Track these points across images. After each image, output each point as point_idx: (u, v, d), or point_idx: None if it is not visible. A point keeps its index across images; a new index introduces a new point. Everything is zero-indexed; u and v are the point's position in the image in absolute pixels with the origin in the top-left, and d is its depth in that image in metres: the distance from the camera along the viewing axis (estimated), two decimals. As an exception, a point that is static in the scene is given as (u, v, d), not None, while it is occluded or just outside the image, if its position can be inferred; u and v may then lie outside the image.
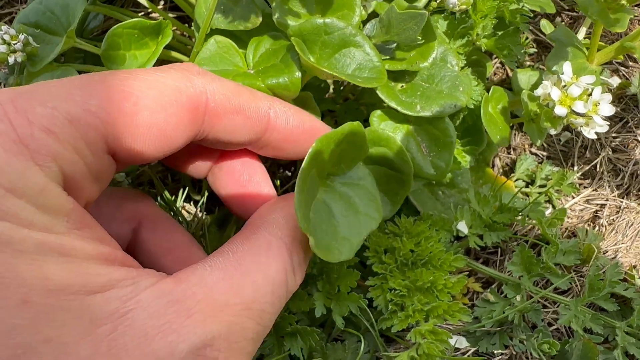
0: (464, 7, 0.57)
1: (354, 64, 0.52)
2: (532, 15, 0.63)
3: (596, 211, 0.70)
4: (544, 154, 0.74)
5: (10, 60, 0.58)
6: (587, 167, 0.73)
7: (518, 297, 0.60)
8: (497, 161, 0.74)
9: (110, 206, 0.44)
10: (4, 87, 0.62)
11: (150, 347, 0.29)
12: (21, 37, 0.58)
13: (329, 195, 0.46)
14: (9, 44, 0.58)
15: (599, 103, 0.54)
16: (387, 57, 0.58)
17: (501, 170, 0.73)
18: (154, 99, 0.35)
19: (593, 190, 0.71)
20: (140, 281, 0.31)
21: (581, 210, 0.71)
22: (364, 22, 0.56)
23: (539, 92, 0.56)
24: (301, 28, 0.52)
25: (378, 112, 0.59)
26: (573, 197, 0.71)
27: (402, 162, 0.53)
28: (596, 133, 0.55)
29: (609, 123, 0.55)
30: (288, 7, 0.54)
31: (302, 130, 0.44)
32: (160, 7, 0.83)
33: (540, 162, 0.72)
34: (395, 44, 0.59)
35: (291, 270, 0.38)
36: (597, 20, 0.53)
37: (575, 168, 0.73)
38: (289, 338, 0.51)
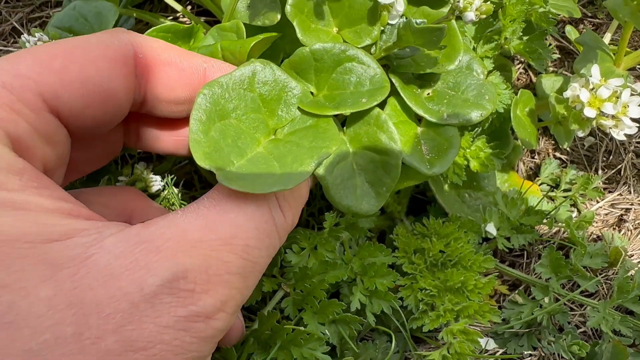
0: (483, 16, 0.57)
1: (354, 77, 0.52)
2: (557, 19, 0.64)
3: (621, 215, 0.71)
4: (568, 158, 0.75)
5: (45, 63, 0.59)
6: (611, 172, 0.73)
7: (546, 299, 0.60)
8: (521, 165, 0.74)
9: (99, 204, 0.43)
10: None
11: (117, 284, 0.28)
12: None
13: (271, 146, 0.44)
14: (43, 48, 0.59)
15: (628, 105, 0.55)
16: (409, 55, 0.58)
17: (525, 175, 0.74)
18: (82, 55, 0.35)
19: (618, 195, 0.72)
20: (105, 230, 0.30)
21: (606, 214, 0.71)
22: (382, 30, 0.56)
23: (567, 94, 0.57)
24: (291, 61, 0.52)
25: (393, 101, 0.58)
26: (598, 202, 0.71)
27: (390, 141, 0.52)
28: (624, 135, 0.56)
29: (638, 125, 0.55)
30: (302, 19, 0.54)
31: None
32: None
33: (565, 167, 0.73)
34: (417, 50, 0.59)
35: (276, 207, 0.37)
36: (627, 23, 0.53)
37: (600, 173, 0.73)
38: (329, 325, 0.51)
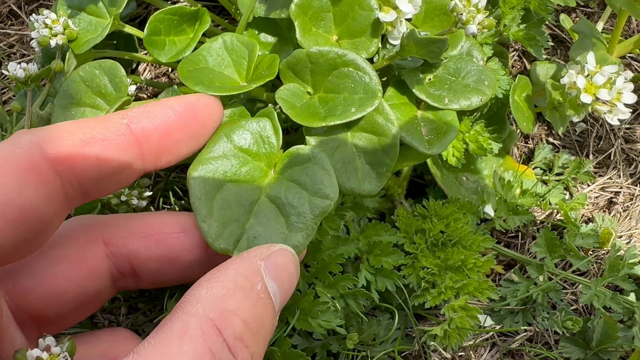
0: (485, 30, 0.55)
1: (349, 82, 0.53)
2: (554, 8, 0.66)
3: (611, 198, 0.73)
4: (560, 143, 0.77)
5: (52, 43, 0.59)
6: (602, 157, 0.76)
7: (541, 278, 0.62)
8: (515, 150, 0.76)
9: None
10: (39, 69, 0.64)
11: None
12: (61, 20, 0.59)
13: (279, 188, 0.45)
14: (50, 28, 0.60)
15: (622, 91, 0.57)
16: (411, 65, 0.59)
17: (519, 159, 0.76)
18: None
19: (608, 179, 0.74)
20: None
21: (596, 197, 0.73)
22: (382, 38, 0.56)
23: (564, 80, 0.59)
24: (288, 61, 0.53)
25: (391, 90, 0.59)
26: (589, 185, 0.74)
27: (387, 122, 0.53)
28: (618, 120, 0.58)
29: (631, 110, 0.58)
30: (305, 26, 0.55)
31: (179, 115, 0.42)
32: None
33: (557, 152, 0.75)
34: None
35: (224, 349, 0.32)
36: (622, 12, 0.55)
37: (591, 157, 0.76)
38: (339, 300, 0.53)
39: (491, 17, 0.54)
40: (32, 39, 0.60)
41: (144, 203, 0.58)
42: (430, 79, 0.60)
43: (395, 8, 0.51)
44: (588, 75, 0.57)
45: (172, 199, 0.64)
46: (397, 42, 0.55)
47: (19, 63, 0.61)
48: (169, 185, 0.67)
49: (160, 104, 0.43)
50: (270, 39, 0.61)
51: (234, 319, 0.33)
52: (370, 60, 0.55)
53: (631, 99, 0.57)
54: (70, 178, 0.37)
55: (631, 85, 0.57)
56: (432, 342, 0.55)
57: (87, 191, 0.39)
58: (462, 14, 0.51)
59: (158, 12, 0.59)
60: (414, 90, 0.58)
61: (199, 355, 0.30)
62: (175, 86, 0.68)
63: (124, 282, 0.45)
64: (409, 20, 0.55)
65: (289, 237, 0.42)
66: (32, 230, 0.35)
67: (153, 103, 0.43)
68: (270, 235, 0.42)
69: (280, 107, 0.53)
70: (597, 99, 0.57)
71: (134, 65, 0.77)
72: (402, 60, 0.57)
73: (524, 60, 0.80)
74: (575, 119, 0.60)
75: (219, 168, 0.44)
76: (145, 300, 0.62)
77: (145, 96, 0.76)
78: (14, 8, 0.84)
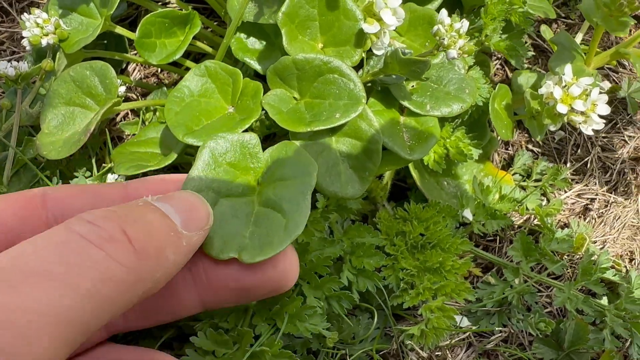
0: (465, 55, 0.56)
1: (334, 89, 0.54)
2: (534, 19, 0.68)
3: (586, 205, 0.76)
4: (539, 150, 0.79)
5: (43, 42, 0.60)
6: (579, 164, 0.78)
7: (516, 281, 0.64)
8: (495, 156, 0.78)
9: None
10: (31, 65, 0.65)
11: None
12: (53, 19, 0.60)
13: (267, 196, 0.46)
14: (41, 27, 0.61)
15: (596, 102, 0.59)
16: (394, 82, 0.60)
17: (499, 165, 0.78)
18: None
19: (584, 186, 0.77)
20: None
21: (573, 203, 0.76)
22: (367, 53, 0.58)
23: (542, 91, 0.61)
24: (275, 68, 0.55)
25: (374, 96, 0.61)
26: (566, 191, 0.76)
27: (370, 127, 0.55)
28: (592, 130, 0.60)
29: (604, 121, 0.60)
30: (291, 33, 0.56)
31: (172, 183, 0.44)
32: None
33: (536, 158, 0.77)
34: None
35: (85, 224, 0.33)
36: (599, 26, 0.58)
37: (568, 165, 0.78)
38: (323, 301, 0.54)
39: (472, 43, 0.55)
40: (22, 37, 0.61)
41: None
42: (412, 86, 0.62)
43: (379, 20, 0.53)
44: (565, 86, 0.60)
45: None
46: (381, 53, 0.56)
47: (9, 61, 0.62)
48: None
49: (160, 176, 0.46)
50: (257, 45, 0.63)
51: (98, 210, 0.35)
52: (355, 68, 0.56)
53: (605, 110, 0.59)
54: (56, 213, 0.40)
55: (605, 97, 0.59)
56: (410, 342, 0.57)
57: None
58: (444, 39, 0.53)
59: (150, 15, 0.61)
60: (396, 97, 0.60)
61: (59, 231, 0.33)
62: (164, 88, 0.69)
63: None
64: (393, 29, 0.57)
65: (289, 219, 0.43)
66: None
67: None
68: (273, 229, 0.43)
69: (265, 113, 0.54)
70: (573, 109, 0.59)
71: (124, 65, 0.78)
72: (386, 76, 0.59)
73: (506, 68, 0.83)
74: (553, 128, 0.62)
75: (212, 182, 0.45)
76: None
77: (134, 96, 0.77)
78: (5, 5, 0.84)
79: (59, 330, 0.29)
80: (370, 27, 0.53)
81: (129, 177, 0.55)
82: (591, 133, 0.60)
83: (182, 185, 0.44)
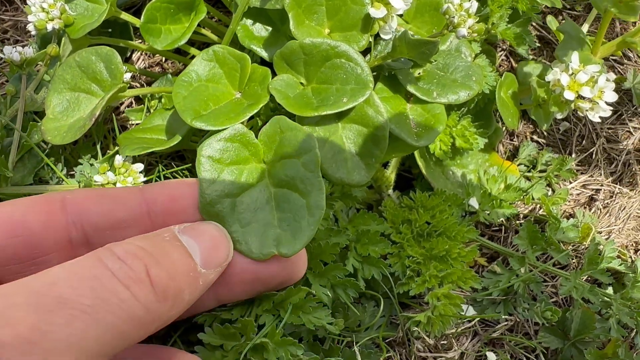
0: (475, 34, 0.56)
1: (341, 73, 0.54)
2: (541, 9, 0.68)
3: (592, 195, 0.75)
4: (544, 141, 0.79)
5: (49, 27, 0.60)
6: (584, 155, 0.78)
7: (522, 270, 0.64)
8: (500, 147, 0.78)
9: None
10: (36, 51, 0.64)
11: None
12: (58, 4, 0.60)
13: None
14: (47, 12, 0.60)
15: (603, 90, 0.59)
16: (402, 67, 0.60)
17: (504, 156, 0.78)
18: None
19: (589, 177, 0.76)
20: None
21: (578, 194, 0.76)
22: (375, 38, 0.58)
23: (549, 78, 0.61)
24: (282, 52, 0.54)
25: (381, 83, 0.61)
26: (571, 182, 0.76)
27: (377, 114, 0.55)
28: (599, 117, 0.60)
29: (612, 109, 0.60)
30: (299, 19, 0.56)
31: (190, 187, 0.45)
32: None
33: (541, 149, 0.77)
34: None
35: (114, 259, 0.36)
36: (606, 14, 0.57)
37: (573, 155, 0.78)
38: (329, 288, 0.54)
39: (481, 23, 0.56)
40: (26, 24, 0.60)
41: None
42: (419, 73, 0.62)
43: (387, 4, 0.53)
44: (572, 73, 0.59)
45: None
46: (388, 37, 0.56)
47: (14, 47, 0.62)
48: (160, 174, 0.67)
49: (176, 180, 0.48)
50: (263, 32, 0.62)
51: (127, 242, 0.37)
52: (362, 53, 0.56)
53: (612, 97, 0.59)
54: (75, 218, 0.42)
55: (612, 84, 0.59)
56: (416, 329, 0.57)
57: (91, 238, 0.43)
58: (454, 17, 0.53)
59: (155, 0, 0.60)
60: (403, 84, 0.60)
61: (92, 262, 0.35)
62: (169, 75, 0.69)
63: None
64: (400, 16, 0.57)
65: (309, 199, 0.45)
66: (20, 245, 0.40)
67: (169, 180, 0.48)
68: (297, 211, 0.45)
69: (271, 97, 0.54)
70: (580, 96, 0.59)
71: (128, 54, 0.78)
72: (393, 61, 0.58)
73: (511, 59, 0.82)
74: (559, 116, 0.62)
75: (224, 190, 0.46)
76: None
77: (138, 85, 0.77)
78: (8, -6, 0.84)
79: (79, 358, 0.32)
80: (377, 11, 0.53)
81: (135, 159, 0.55)
82: (598, 120, 0.59)
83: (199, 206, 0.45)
